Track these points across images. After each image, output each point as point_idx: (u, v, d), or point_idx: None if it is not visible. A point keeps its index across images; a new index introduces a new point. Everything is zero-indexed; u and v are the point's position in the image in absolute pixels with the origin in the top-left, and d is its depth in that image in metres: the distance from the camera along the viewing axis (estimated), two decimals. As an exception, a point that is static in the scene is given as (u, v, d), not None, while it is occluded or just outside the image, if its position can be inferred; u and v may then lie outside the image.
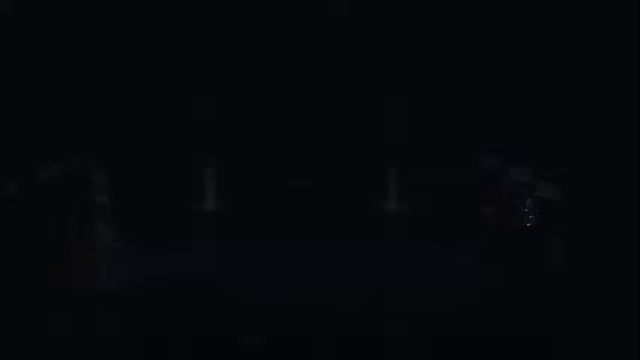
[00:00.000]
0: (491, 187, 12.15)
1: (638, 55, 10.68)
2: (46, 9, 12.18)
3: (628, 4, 10.66)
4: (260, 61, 13.53)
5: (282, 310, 8.47)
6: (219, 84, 13.58)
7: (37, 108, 12.58)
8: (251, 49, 13.43)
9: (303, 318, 8.09)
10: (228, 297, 9.01)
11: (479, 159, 13.91)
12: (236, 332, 7.16)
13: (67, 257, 9.87)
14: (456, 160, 13.81)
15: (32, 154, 12.60)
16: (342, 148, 13.92)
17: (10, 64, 11.99)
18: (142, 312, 8.32)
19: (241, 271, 10.09)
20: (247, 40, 13.30)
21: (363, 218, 13.10)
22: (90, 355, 6.92)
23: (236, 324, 7.82)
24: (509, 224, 11.11)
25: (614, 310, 8.20)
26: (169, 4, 12.65)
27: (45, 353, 6.96)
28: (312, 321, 7.81)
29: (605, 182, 11.09)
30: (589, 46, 11.44)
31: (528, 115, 12.62)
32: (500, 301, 8.95)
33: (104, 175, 12.14)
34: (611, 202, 10.89)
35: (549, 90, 12.29)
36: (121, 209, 8.52)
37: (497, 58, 12.92)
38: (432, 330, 7.35)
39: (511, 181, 11.70)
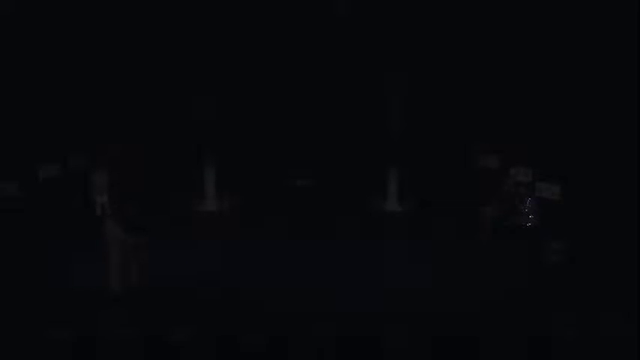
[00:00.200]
0: (491, 187, 12.16)
1: (638, 55, 10.68)
2: (46, 9, 12.18)
3: (628, 4, 10.66)
4: (260, 61, 13.54)
5: (282, 310, 8.47)
6: (219, 84, 13.59)
7: (37, 108, 12.58)
8: (251, 49, 13.44)
9: (304, 318, 8.09)
10: (230, 296, 9.02)
11: (479, 159, 13.93)
12: (238, 332, 7.14)
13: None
14: (456, 160, 13.83)
15: (32, 154, 12.60)
16: (342, 148, 13.94)
17: (10, 64, 11.99)
18: (149, 311, 8.36)
19: (242, 271, 10.08)
20: (247, 40, 13.31)
21: (363, 218, 13.12)
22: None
23: (238, 324, 7.82)
24: (509, 224, 11.11)
25: (614, 309, 8.20)
26: (169, 4, 12.65)
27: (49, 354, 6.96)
28: (312, 321, 7.80)
29: (605, 182, 11.10)
30: (589, 46, 11.44)
31: (528, 115, 12.62)
32: (500, 300, 8.95)
33: (104, 175, 12.15)
34: (612, 202, 10.90)
35: (549, 90, 12.29)
36: (121, 209, 8.49)
37: (497, 58, 12.93)
38: (431, 330, 7.34)
39: (511, 181, 11.71)
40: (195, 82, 13.47)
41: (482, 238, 11.79)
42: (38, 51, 12.41)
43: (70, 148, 13.40)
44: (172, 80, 13.50)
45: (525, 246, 10.70)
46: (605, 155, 11.28)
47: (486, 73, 13.15)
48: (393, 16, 12.83)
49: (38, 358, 6.95)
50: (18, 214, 11.97)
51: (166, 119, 13.83)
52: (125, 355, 6.94)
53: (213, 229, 12.41)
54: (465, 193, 12.99)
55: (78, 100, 13.25)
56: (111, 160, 12.55)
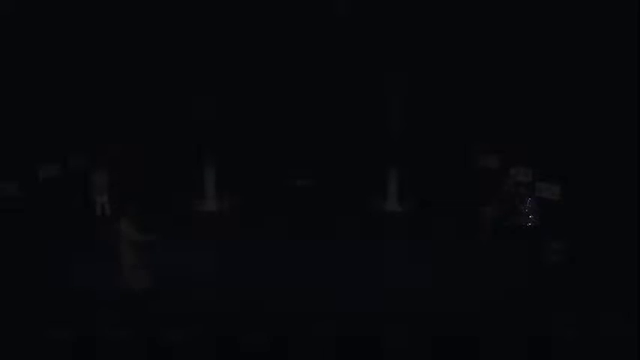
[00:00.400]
0: (491, 187, 12.16)
1: (638, 55, 10.68)
2: (46, 9, 12.18)
3: (628, 4, 10.66)
4: (260, 61, 13.54)
5: (282, 310, 8.47)
6: (219, 84, 13.58)
7: (37, 108, 12.58)
8: (251, 49, 13.44)
9: (304, 318, 8.09)
10: (230, 296, 9.02)
11: (479, 159, 13.93)
12: (238, 332, 7.14)
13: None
14: (456, 160, 13.83)
15: (32, 154, 12.61)
16: (342, 148, 13.94)
17: (10, 64, 11.99)
18: (152, 311, 8.36)
19: (242, 271, 10.08)
20: (247, 40, 13.31)
21: (363, 218, 13.11)
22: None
23: (238, 324, 7.82)
24: (509, 224, 11.11)
25: (614, 309, 8.20)
26: (169, 4, 12.65)
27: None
28: (312, 321, 7.81)
29: (605, 182, 11.10)
30: (589, 46, 11.44)
31: (528, 115, 12.63)
32: (500, 300, 8.95)
33: (104, 175, 12.15)
34: (612, 202, 10.90)
35: (549, 90, 12.29)
36: (132, 208, 8.44)
37: (497, 58, 12.93)
38: (431, 330, 7.34)
39: (511, 181, 11.71)
40: (196, 83, 13.47)
41: (482, 238, 11.79)
42: (38, 51, 12.41)
43: (70, 148, 13.40)
44: (172, 80, 13.50)
45: (525, 246, 10.70)
46: (605, 155, 11.28)
47: (486, 73, 13.16)
48: (393, 16, 12.82)
49: (38, 358, 6.95)
50: (18, 214, 11.97)
51: (166, 119, 13.83)
52: (125, 355, 6.94)
53: (213, 229, 12.41)
54: (464, 193, 12.99)
55: (78, 100, 13.24)
56: (111, 160, 12.55)
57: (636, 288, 8.80)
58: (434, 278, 9.84)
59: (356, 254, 10.89)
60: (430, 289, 9.35)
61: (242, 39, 13.29)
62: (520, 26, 12.35)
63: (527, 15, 12.20)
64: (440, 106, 13.64)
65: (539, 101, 12.52)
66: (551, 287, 9.43)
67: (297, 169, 13.90)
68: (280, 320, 8.00)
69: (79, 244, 11.08)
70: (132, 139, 13.70)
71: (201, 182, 13.84)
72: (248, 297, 9.03)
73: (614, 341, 7.00)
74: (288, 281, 9.64)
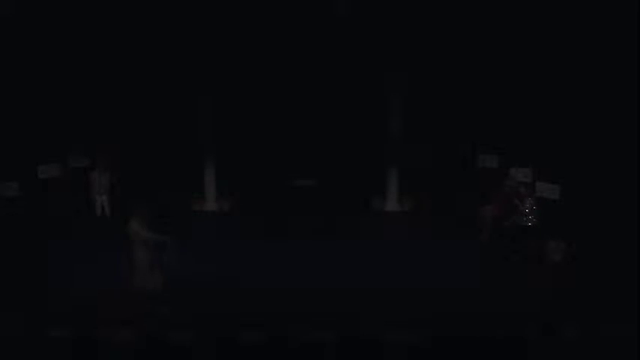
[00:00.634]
0: (491, 187, 12.15)
1: (638, 55, 10.68)
2: (46, 9, 12.17)
3: (628, 4, 10.66)
4: (260, 61, 13.53)
5: (282, 310, 8.48)
6: (219, 84, 13.58)
7: (37, 108, 12.57)
8: (251, 49, 13.43)
9: (304, 318, 8.10)
10: (230, 296, 9.02)
11: (479, 159, 13.93)
12: (238, 332, 7.14)
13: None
14: (456, 160, 13.82)
15: (32, 154, 12.60)
16: (342, 148, 13.93)
17: (10, 64, 11.99)
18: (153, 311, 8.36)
19: (241, 271, 10.08)
20: (247, 39, 13.30)
21: (363, 218, 13.11)
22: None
23: (238, 324, 7.81)
24: (509, 224, 11.11)
25: (614, 310, 8.20)
26: (169, 4, 12.63)
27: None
28: (312, 321, 7.81)
29: (605, 182, 11.09)
30: (589, 46, 11.44)
31: (528, 115, 12.62)
32: (499, 300, 8.95)
33: (104, 175, 12.15)
34: (612, 202, 10.90)
35: (550, 90, 12.29)
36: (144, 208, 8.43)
37: (497, 58, 12.92)
38: (431, 330, 7.34)
39: (511, 181, 11.70)
40: (196, 83, 13.46)
41: (482, 238, 11.79)
42: (38, 51, 12.40)
43: (70, 148, 13.40)
44: (172, 80, 13.49)
45: (525, 246, 10.70)
46: (605, 155, 11.28)
47: (486, 73, 13.14)
48: (394, 16, 12.82)
49: (38, 358, 6.96)
50: (18, 214, 11.97)
51: (166, 119, 13.81)
52: (125, 355, 6.94)
53: (213, 229, 12.41)
54: (465, 193, 12.98)
55: (78, 100, 13.24)
56: (111, 160, 12.54)
57: (636, 288, 8.80)
58: (434, 278, 9.84)
59: (356, 254, 10.89)
60: (430, 289, 9.35)
61: (241, 39, 13.28)
62: (520, 26, 12.34)
63: (527, 15, 12.19)
64: (440, 106, 13.63)
65: (539, 101, 12.52)
66: (551, 287, 9.43)
67: (296, 168, 13.89)
68: (280, 320, 8.00)
69: (79, 244, 11.08)
70: (132, 139, 13.68)
71: (201, 182, 13.84)
72: (248, 297, 9.04)
73: (614, 341, 7.00)
74: (288, 281, 9.65)
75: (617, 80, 11.05)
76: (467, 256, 10.90)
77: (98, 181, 12.07)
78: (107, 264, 10.05)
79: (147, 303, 8.49)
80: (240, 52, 13.44)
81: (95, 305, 8.60)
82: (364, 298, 9.01)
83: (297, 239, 11.60)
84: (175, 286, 8.82)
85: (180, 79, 13.43)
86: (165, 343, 6.94)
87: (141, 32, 12.99)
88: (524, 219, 10.79)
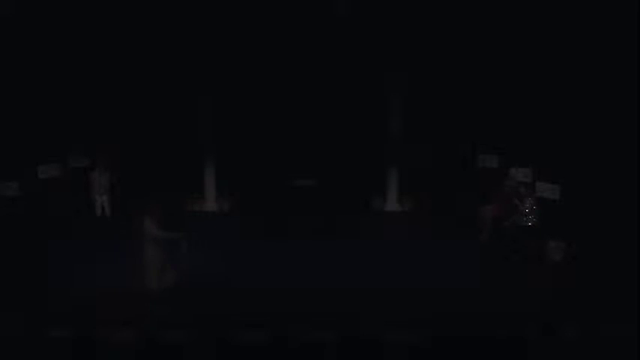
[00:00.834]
0: (491, 187, 12.15)
1: (638, 55, 10.67)
2: (46, 9, 12.17)
3: (628, 4, 10.65)
4: (260, 61, 13.52)
5: (282, 310, 8.48)
6: (219, 84, 13.58)
7: (36, 108, 12.57)
8: (251, 49, 13.42)
9: (304, 318, 8.09)
10: (230, 296, 9.02)
11: (479, 159, 13.92)
12: (237, 332, 7.14)
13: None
14: (456, 160, 13.82)
15: (32, 154, 12.60)
16: (342, 148, 13.92)
17: (10, 64, 11.98)
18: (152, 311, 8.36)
19: (241, 271, 10.08)
20: (247, 39, 13.29)
21: (363, 218, 13.12)
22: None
23: (238, 324, 7.81)
24: (509, 224, 11.11)
25: (614, 310, 8.20)
26: (170, 4, 12.63)
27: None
28: (312, 321, 7.81)
29: (605, 182, 11.08)
30: (589, 45, 11.43)
31: (528, 115, 12.61)
32: (499, 300, 8.95)
33: (104, 175, 12.15)
34: (612, 202, 10.89)
35: (550, 90, 12.28)
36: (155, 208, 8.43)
37: (497, 57, 12.91)
38: (432, 330, 7.34)
39: (511, 181, 11.70)
40: (196, 83, 13.46)
41: (482, 238, 11.79)
42: (38, 51, 12.39)
43: (70, 148, 13.40)
44: (172, 81, 13.48)
45: (525, 246, 10.69)
46: (605, 155, 11.26)
47: (486, 73, 13.14)
48: (394, 16, 12.81)
49: (38, 358, 6.95)
50: (18, 214, 11.96)
51: (166, 119, 13.81)
52: (125, 355, 6.94)
53: (213, 229, 12.40)
54: (465, 193, 12.98)
55: (78, 100, 13.23)
56: (111, 160, 12.54)
57: (636, 288, 8.80)
58: (433, 278, 9.84)
59: (356, 254, 10.89)
60: (430, 290, 9.35)
61: (241, 39, 13.28)
62: (520, 26, 12.33)
63: (527, 15, 12.18)
64: (440, 106, 13.62)
65: (539, 101, 12.51)
66: (551, 287, 9.43)
67: (296, 168, 13.88)
68: (280, 320, 7.99)
69: (78, 244, 11.09)
70: (132, 139, 13.67)
71: (202, 182, 13.85)
72: (248, 297, 9.04)
73: (614, 341, 7.00)
74: (288, 281, 9.65)
75: (617, 80, 11.04)
76: (467, 256, 10.90)
77: (98, 181, 12.07)
78: (107, 264, 10.06)
79: (147, 303, 8.49)
80: (240, 52, 13.44)
81: (95, 305, 8.60)
82: (364, 298, 9.01)
83: (297, 239, 11.60)
84: (176, 286, 8.82)
85: (180, 80, 13.42)
86: (165, 343, 6.94)
87: (141, 32, 12.98)
88: (524, 219, 10.79)
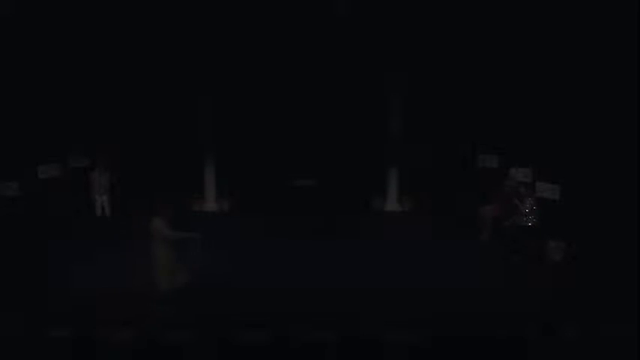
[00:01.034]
0: (491, 187, 12.15)
1: (638, 55, 10.67)
2: (46, 9, 12.16)
3: (628, 4, 10.65)
4: (260, 60, 13.52)
5: (282, 310, 8.47)
6: (220, 84, 13.58)
7: (36, 108, 12.56)
8: (251, 49, 13.42)
9: (304, 318, 8.09)
10: (229, 296, 9.02)
11: (479, 159, 13.92)
12: (237, 332, 7.14)
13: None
14: (456, 160, 13.81)
15: (32, 154, 12.59)
16: (343, 148, 13.92)
17: (10, 64, 11.98)
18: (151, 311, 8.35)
19: (241, 271, 10.08)
20: (247, 39, 13.29)
21: (363, 218, 13.12)
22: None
23: (237, 324, 7.81)
24: (509, 224, 11.11)
25: (614, 310, 8.20)
26: (170, 5, 12.63)
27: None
28: (312, 321, 7.80)
29: (605, 182, 11.08)
30: (589, 46, 11.43)
31: (528, 115, 12.61)
32: (500, 300, 8.95)
33: (104, 175, 12.15)
34: (612, 202, 10.89)
35: (550, 90, 12.28)
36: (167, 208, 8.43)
37: (497, 57, 12.91)
38: (432, 330, 7.34)
39: (511, 181, 11.70)
40: (196, 83, 13.47)
41: (482, 238, 11.79)
42: (38, 51, 12.39)
43: (70, 148, 13.40)
44: (172, 80, 13.48)
45: (525, 246, 10.69)
46: (605, 155, 11.26)
47: (486, 73, 13.13)
48: (394, 16, 12.81)
49: (38, 358, 6.95)
50: (18, 214, 11.96)
51: (166, 119, 13.81)
52: (125, 355, 6.94)
53: (213, 229, 12.40)
54: (465, 193, 12.98)
55: (78, 100, 13.23)
56: (111, 160, 12.55)
57: (636, 288, 8.80)
58: (434, 278, 9.84)
59: (356, 254, 10.89)
60: (430, 290, 9.35)
61: (241, 39, 13.28)
62: (520, 26, 12.33)
63: (527, 15, 12.18)
64: (440, 106, 13.62)
65: (539, 101, 12.50)
66: (551, 287, 9.43)
67: (297, 168, 13.88)
68: (280, 320, 7.99)
69: (79, 244, 11.08)
70: (132, 139, 13.67)
71: (202, 182, 13.85)
72: (247, 297, 9.04)
73: (614, 341, 7.00)
74: (289, 281, 9.65)
75: (617, 80, 11.03)
76: (467, 256, 10.90)
77: (98, 181, 12.08)
78: (107, 264, 10.07)
79: (147, 303, 8.49)
80: (240, 52, 13.43)
81: (95, 305, 8.60)
82: (364, 298, 9.01)
83: (297, 239, 11.60)
84: (186, 287, 8.79)
85: (180, 80, 13.43)
86: (165, 343, 6.94)
87: (141, 32, 12.97)
88: (524, 219, 10.79)
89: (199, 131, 13.65)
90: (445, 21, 12.88)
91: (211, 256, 10.54)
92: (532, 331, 7.15)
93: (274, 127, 13.93)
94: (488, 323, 7.78)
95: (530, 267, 10.28)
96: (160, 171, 13.52)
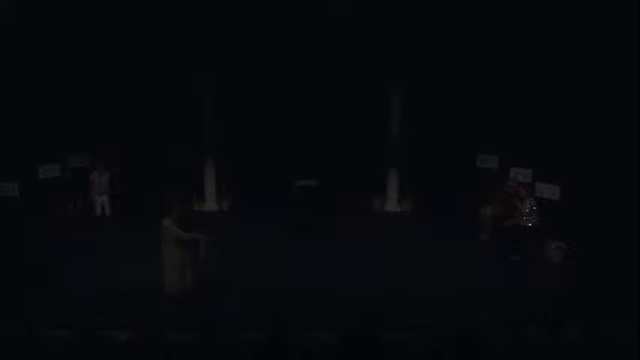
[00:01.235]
0: (491, 187, 12.16)
1: (638, 55, 10.67)
2: (46, 9, 12.17)
3: (628, 4, 10.65)
4: (260, 60, 13.52)
5: (282, 310, 8.47)
6: (220, 84, 13.58)
7: (36, 108, 12.57)
8: (251, 49, 13.42)
9: (304, 318, 8.09)
10: (230, 296, 9.02)
11: (479, 159, 13.93)
12: (237, 332, 7.14)
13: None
14: (456, 160, 13.81)
15: (32, 154, 12.60)
16: (343, 148, 13.92)
17: (10, 64, 11.99)
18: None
19: (241, 271, 10.08)
20: (248, 39, 13.30)
21: (363, 218, 13.11)
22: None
23: (237, 324, 7.82)
24: (509, 224, 11.11)
25: (614, 310, 8.19)
26: (170, 4, 12.63)
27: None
28: (312, 321, 7.80)
29: (605, 182, 11.09)
30: (589, 46, 11.43)
31: (528, 115, 12.62)
32: (500, 300, 8.95)
33: (104, 175, 12.16)
34: (612, 202, 10.90)
35: (550, 90, 12.28)
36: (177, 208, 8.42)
37: (497, 57, 12.91)
38: (432, 330, 7.34)
39: (511, 181, 11.71)
40: (196, 82, 13.47)
41: (482, 238, 11.79)
42: (38, 51, 12.40)
43: (70, 148, 13.40)
44: (173, 80, 13.48)
45: (525, 246, 10.69)
46: (605, 155, 11.27)
47: (487, 73, 13.13)
48: (394, 16, 12.82)
49: (38, 358, 6.95)
50: (18, 214, 11.96)
51: (166, 119, 13.81)
52: (125, 355, 6.94)
53: (213, 229, 12.40)
54: (465, 193, 12.97)
55: (78, 100, 13.23)
56: (111, 160, 12.56)
57: (636, 288, 8.80)
58: (434, 278, 9.84)
59: (356, 254, 10.88)
60: (430, 290, 9.35)
61: (242, 38, 13.28)
62: (520, 26, 12.33)
63: (527, 15, 12.18)
64: (440, 106, 13.62)
65: (539, 102, 12.51)
66: (551, 287, 9.42)
67: (297, 168, 13.87)
68: (280, 320, 7.99)
69: (79, 244, 11.08)
70: (132, 139, 13.68)
71: (201, 182, 13.84)
72: (247, 297, 9.04)
73: (614, 341, 7.00)
74: (288, 281, 9.65)
75: (617, 81, 11.04)
76: (467, 256, 10.89)
77: (98, 181, 12.08)
78: (107, 264, 10.06)
79: (148, 303, 8.49)
80: (240, 51, 13.44)
81: (95, 305, 8.60)
82: (364, 298, 9.00)
83: (297, 239, 11.60)
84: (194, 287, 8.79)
85: (181, 79, 13.43)
86: (165, 343, 6.94)
87: (141, 32, 12.98)
88: (524, 219, 10.79)
89: (200, 131, 13.65)
90: (446, 21, 12.88)
91: (210, 256, 10.55)
92: (532, 331, 7.15)
93: (274, 127, 13.93)
94: (489, 323, 7.78)
95: (530, 267, 10.28)
96: (160, 171, 13.52)
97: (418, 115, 13.55)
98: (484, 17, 12.65)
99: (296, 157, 13.79)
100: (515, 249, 10.77)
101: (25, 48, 12.20)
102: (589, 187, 11.28)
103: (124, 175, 12.85)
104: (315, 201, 13.00)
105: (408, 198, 13.98)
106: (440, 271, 10.18)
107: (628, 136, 10.96)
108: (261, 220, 12.54)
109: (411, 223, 13.12)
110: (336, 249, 11.06)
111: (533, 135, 12.55)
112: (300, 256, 10.78)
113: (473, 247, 11.34)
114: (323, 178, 13.31)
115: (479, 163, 13.91)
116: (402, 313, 8.42)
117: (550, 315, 7.62)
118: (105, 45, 13.09)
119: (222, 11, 12.78)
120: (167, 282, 8.37)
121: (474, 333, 7.17)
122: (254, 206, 13.35)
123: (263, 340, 6.91)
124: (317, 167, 13.51)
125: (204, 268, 8.79)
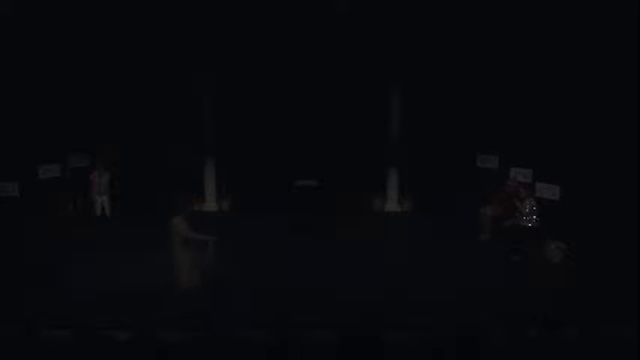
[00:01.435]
0: (491, 187, 12.16)
1: (638, 55, 10.68)
2: (46, 9, 12.17)
3: (628, 4, 10.66)
4: (260, 60, 13.52)
5: (282, 310, 8.47)
6: (220, 84, 13.58)
7: (36, 108, 12.57)
8: (251, 49, 13.42)
9: (304, 318, 8.09)
10: (229, 296, 9.02)
11: (479, 159, 13.93)
12: (237, 332, 7.14)
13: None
14: (456, 160, 13.82)
15: (32, 154, 12.60)
16: (343, 148, 13.92)
17: (9, 64, 11.99)
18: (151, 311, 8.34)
19: (241, 271, 10.08)
20: (248, 39, 13.30)
21: (363, 218, 13.11)
22: None
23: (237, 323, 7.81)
24: (509, 224, 11.11)
25: (614, 310, 8.20)
26: (170, 4, 12.64)
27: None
28: (312, 321, 7.80)
29: (605, 182, 11.09)
30: (588, 46, 11.44)
31: (528, 115, 12.62)
32: (500, 300, 8.95)
33: (104, 175, 12.16)
34: (612, 202, 10.90)
35: (550, 90, 12.29)
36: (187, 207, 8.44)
37: (497, 57, 12.91)
38: (432, 330, 7.34)
39: (511, 181, 11.71)
40: (196, 82, 13.47)
41: (482, 238, 11.79)
42: (38, 51, 12.40)
43: (70, 148, 13.40)
44: (173, 80, 13.49)
45: (525, 246, 10.69)
46: (605, 155, 11.27)
47: (487, 73, 13.14)
48: (394, 15, 12.82)
49: (38, 358, 6.95)
50: (18, 214, 11.97)
51: (166, 119, 13.82)
52: (125, 355, 6.94)
53: (213, 229, 12.40)
54: (465, 193, 12.98)
55: (78, 100, 13.23)
56: (111, 160, 12.56)
57: (636, 288, 8.80)
58: (434, 278, 9.84)
59: (356, 254, 10.88)
60: (430, 290, 9.35)
61: (242, 38, 13.28)
62: (520, 26, 12.34)
63: (528, 15, 12.18)
64: (440, 106, 13.62)
65: (539, 102, 12.51)
66: (551, 287, 9.43)
67: (297, 169, 13.87)
68: (280, 320, 7.99)
69: (79, 244, 11.08)
70: (132, 139, 13.68)
71: (201, 182, 13.84)
72: (247, 297, 9.04)
73: (614, 341, 7.00)
74: (288, 281, 9.65)
75: (617, 81, 11.04)
76: (467, 256, 10.89)
77: (98, 181, 12.08)
78: (107, 264, 10.06)
79: (148, 303, 8.50)
80: (240, 51, 13.44)
81: (95, 305, 8.61)
82: (364, 298, 9.00)
83: (298, 239, 11.60)
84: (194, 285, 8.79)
85: (181, 79, 13.43)
86: (165, 343, 6.94)
87: (141, 32, 12.98)
88: (524, 219, 10.79)
89: (200, 131, 13.65)
90: (446, 21, 12.88)
91: (210, 256, 10.56)
92: (532, 331, 7.15)
93: (274, 127, 13.93)
94: (489, 323, 7.78)
95: (530, 267, 10.28)
96: (160, 171, 13.52)
97: (418, 115, 13.55)
98: (484, 17, 12.65)
99: (296, 157, 13.79)
100: (515, 249, 10.77)
101: (25, 48, 12.20)
102: (589, 187, 11.28)
103: (124, 175, 12.84)
104: (315, 201, 12.99)
105: (408, 198, 13.98)
106: (440, 271, 10.18)
107: (628, 136, 10.96)
108: (261, 220, 12.53)
109: (411, 223, 13.11)
110: (336, 249, 11.06)
111: (533, 135, 12.55)
112: (300, 256, 10.78)
113: (473, 247, 11.34)
114: (323, 178, 13.31)
115: (479, 163, 13.90)
116: (402, 313, 8.42)
117: (550, 315, 7.61)
118: (105, 45, 13.10)
119: (222, 11, 12.78)
120: (178, 281, 8.41)
121: (474, 333, 7.16)
122: (254, 206, 13.35)
123: (263, 339, 6.92)
124: (317, 167, 13.51)
125: (211, 267, 8.82)
